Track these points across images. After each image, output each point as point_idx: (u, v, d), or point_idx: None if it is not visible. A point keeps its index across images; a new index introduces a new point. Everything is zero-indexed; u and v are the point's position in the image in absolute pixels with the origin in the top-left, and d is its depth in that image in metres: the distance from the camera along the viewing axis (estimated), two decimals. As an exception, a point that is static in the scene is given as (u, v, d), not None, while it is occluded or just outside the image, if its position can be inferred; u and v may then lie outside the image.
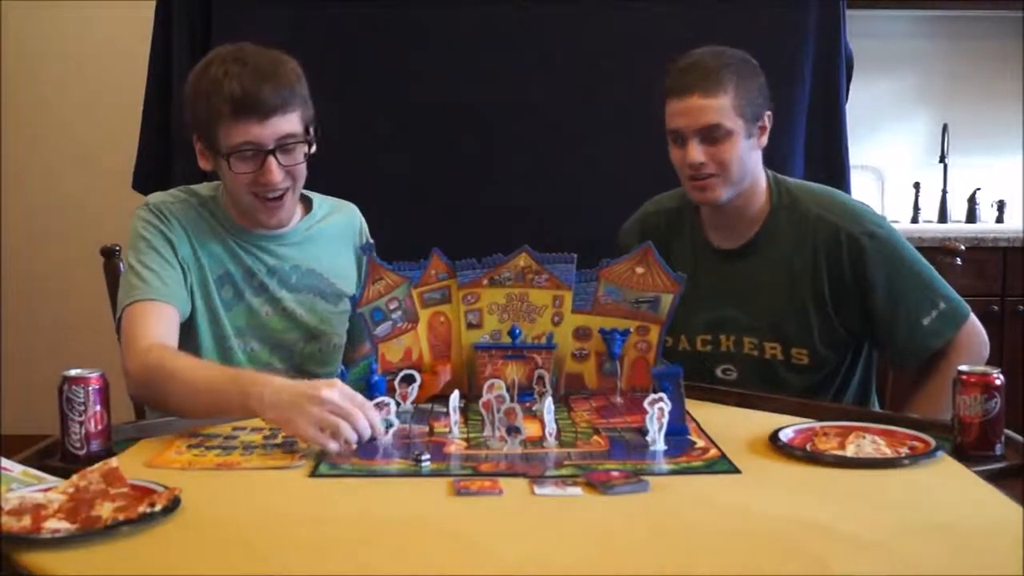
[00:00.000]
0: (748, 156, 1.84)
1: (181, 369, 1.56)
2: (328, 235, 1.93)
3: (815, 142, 2.65)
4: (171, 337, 1.69)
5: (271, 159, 1.70)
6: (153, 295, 1.71)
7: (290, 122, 1.71)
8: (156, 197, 1.84)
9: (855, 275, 1.84)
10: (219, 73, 1.69)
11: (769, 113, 1.88)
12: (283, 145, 1.71)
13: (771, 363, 1.90)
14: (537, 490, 1.24)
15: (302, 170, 1.78)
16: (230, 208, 1.84)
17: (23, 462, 1.31)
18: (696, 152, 1.80)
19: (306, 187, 1.87)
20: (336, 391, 1.39)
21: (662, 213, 2.04)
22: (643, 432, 1.45)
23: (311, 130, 1.76)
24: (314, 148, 1.78)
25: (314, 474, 1.32)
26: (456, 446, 1.44)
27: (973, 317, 1.85)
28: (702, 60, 1.82)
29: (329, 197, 1.98)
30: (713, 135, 1.80)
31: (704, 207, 1.93)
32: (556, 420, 1.48)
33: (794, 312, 1.87)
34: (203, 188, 1.89)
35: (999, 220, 3.74)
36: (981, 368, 1.40)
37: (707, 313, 1.92)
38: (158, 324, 1.68)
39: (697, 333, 1.94)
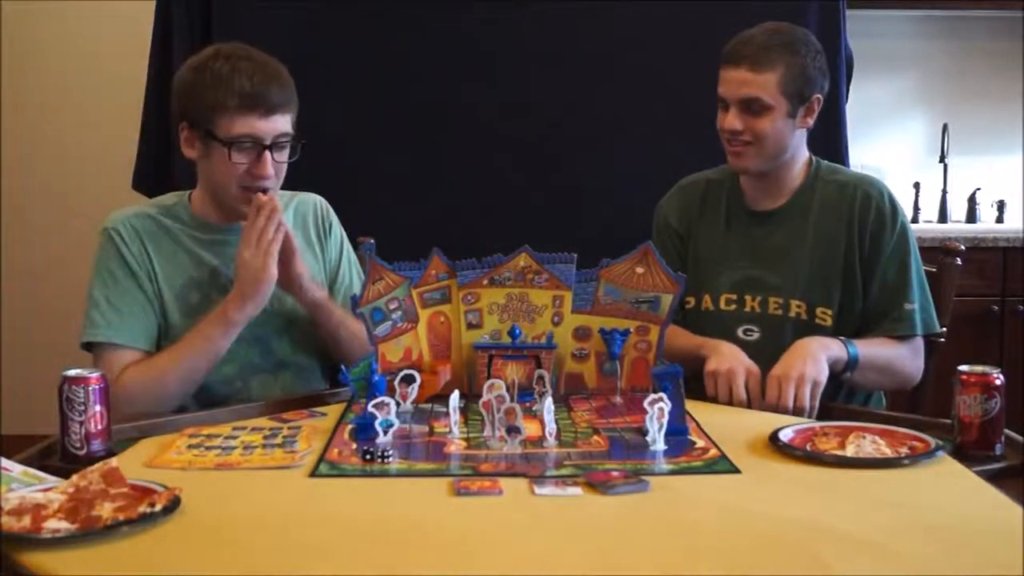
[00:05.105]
0: (786, 133, 1.91)
1: (161, 359, 1.74)
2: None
3: (815, 142, 2.63)
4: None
5: (267, 153, 1.76)
6: (113, 337, 1.77)
7: (287, 122, 1.78)
8: (113, 219, 1.83)
9: (871, 243, 1.91)
10: (225, 68, 1.74)
11: (819, 96, 1.94)
12: (278, 142, 1.77)
13: (794, 323, 1.93)
14: (537, 490, 1.24)
15: (285, 169, 1.81)
16: (201, 206, 1.86)
17: (23, 462, 1.31)
18: (734, 120, 1.89)
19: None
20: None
21: (701, 181, 2.10)
22: (643, 432, 1.45)
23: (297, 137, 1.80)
24: (297, 155, 1.81)
25: (314, 474, 1.32)
26: (456, 446, 1.44)
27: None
28: (758, 35, 1.90)
29: (287, 192, 1.94)
30: (753, 107, 1.88)
31: (742, 176, 2.01)
32: (556, 420, 1.48)
33: (823, 273, 1.93)
34: (166, 198, 1.90)
35: (999, 220, 3.73)
36: (981, 368, 1.40)
37: (736, 273, 1.98)
38: (120, 363, 1.76)
39: (723, 292, 1.99)
